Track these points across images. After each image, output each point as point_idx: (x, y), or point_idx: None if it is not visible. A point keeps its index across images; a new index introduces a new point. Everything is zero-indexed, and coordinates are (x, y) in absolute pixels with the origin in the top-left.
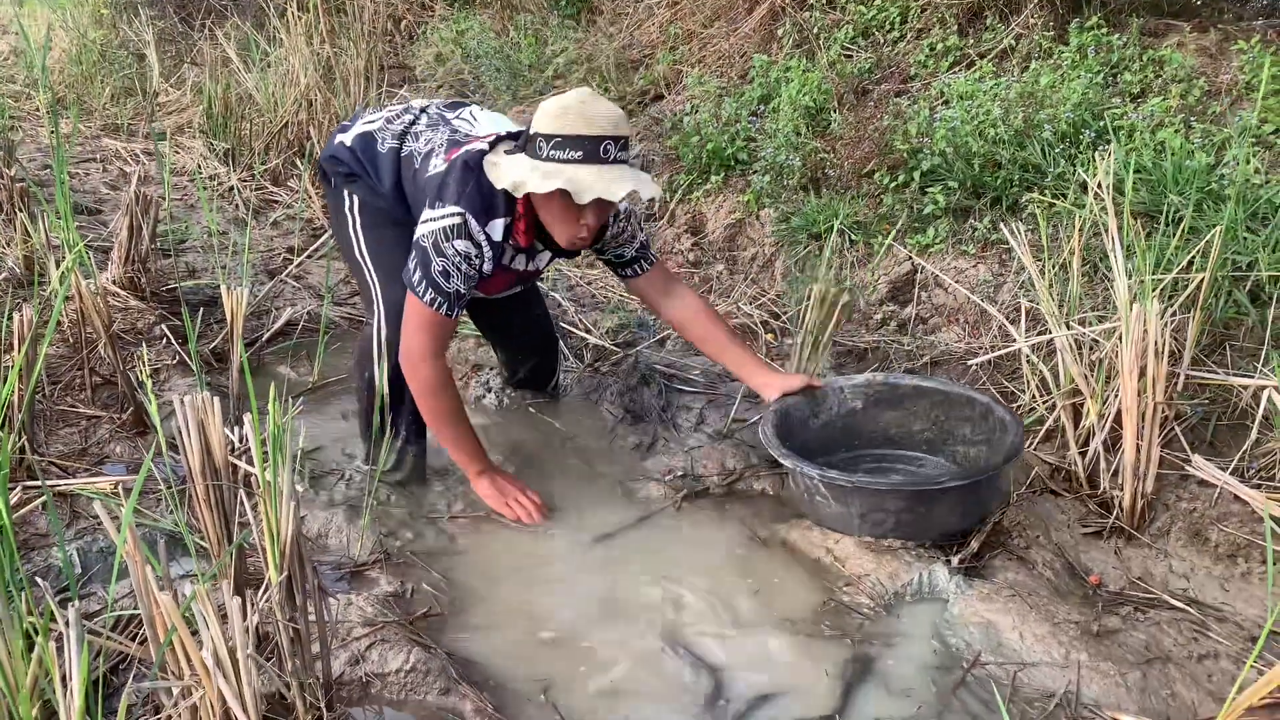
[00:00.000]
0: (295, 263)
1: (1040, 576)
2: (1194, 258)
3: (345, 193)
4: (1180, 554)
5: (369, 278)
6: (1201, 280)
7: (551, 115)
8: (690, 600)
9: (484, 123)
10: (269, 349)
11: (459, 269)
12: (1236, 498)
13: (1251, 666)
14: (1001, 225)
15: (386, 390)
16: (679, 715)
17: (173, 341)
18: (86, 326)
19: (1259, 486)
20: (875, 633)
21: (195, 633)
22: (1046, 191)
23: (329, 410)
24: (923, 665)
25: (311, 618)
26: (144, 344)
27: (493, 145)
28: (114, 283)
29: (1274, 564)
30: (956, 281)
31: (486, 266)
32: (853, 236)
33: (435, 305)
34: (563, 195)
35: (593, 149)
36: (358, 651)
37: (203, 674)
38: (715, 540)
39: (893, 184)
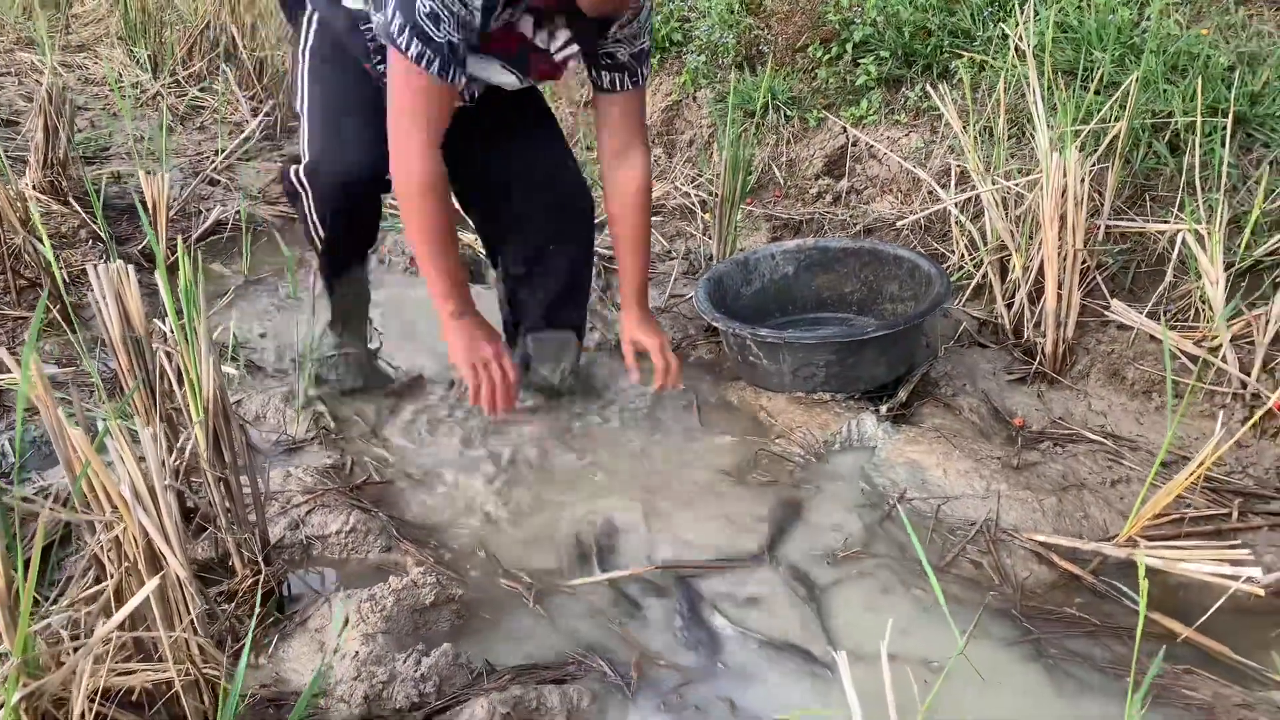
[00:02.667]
0: (218, 160)
1: (966, 420)
2: (1112, 109)
3: (304, 17)
4: (1099, 393)
5: (303, 118)
6: (1119, 130)
7: None
8: (627, 464)
9: None
10: (199, 246)
11: (449, 8)
12: (1152, 337)
13: (1152, 484)
14: (931, 91)
15: (321, 234)
16: (616, 562)
17: (100, 240)
18: (5, 227)
19: (1174, 327)
20: (805, 478)
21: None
22: (976, 56)
23: (262, 303)
24: (850, 504)
25: (244, 480)
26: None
27: None
28: (33, 187)
29: (1174, 393)
30: (890, 151)
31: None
32: (788, 112)
33: (425, 62)
34: None
35: None
36: (297, 517)
37: (121, 508)
38: (653, 405)
39: (826, 57)
